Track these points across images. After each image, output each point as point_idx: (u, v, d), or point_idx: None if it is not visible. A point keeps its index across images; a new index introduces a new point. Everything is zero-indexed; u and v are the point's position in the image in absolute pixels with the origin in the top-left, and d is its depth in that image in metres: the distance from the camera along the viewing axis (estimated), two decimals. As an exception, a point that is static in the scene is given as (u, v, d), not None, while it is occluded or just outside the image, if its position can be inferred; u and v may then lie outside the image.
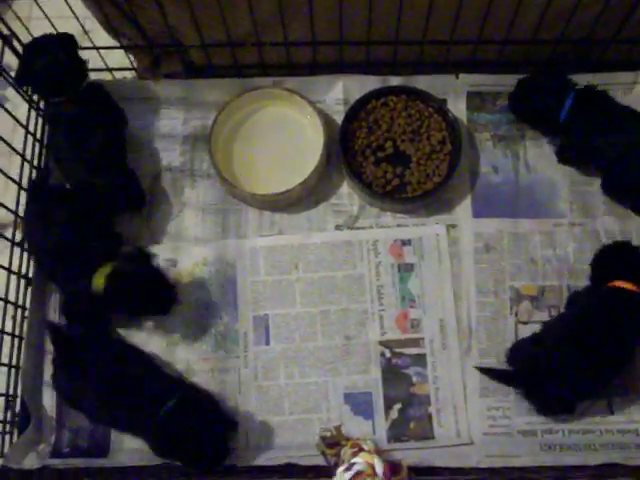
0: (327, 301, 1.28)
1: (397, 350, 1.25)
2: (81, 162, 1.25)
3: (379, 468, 0.88)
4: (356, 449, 0.99)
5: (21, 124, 1.31)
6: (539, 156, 1.36)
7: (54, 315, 1.28)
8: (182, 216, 1.34)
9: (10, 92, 1.32)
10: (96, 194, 1.26)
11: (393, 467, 0.91)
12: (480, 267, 1.29)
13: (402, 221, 1.32)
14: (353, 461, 0.89)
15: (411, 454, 1.17)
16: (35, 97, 1.36)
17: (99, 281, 1.14)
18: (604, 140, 1.27)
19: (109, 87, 1.33)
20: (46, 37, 1.23)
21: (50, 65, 1.21)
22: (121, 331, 1.27)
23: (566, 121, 1.28)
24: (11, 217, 1.28)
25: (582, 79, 1.35)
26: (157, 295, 1.19)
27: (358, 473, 0.88)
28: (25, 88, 1.33)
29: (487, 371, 1.21)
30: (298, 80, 1.39)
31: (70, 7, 1.25)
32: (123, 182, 1.29)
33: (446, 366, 1.24)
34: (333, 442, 1.10)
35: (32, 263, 1.29)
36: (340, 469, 0.89)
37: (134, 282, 1.16)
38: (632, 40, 1.32)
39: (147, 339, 1.26)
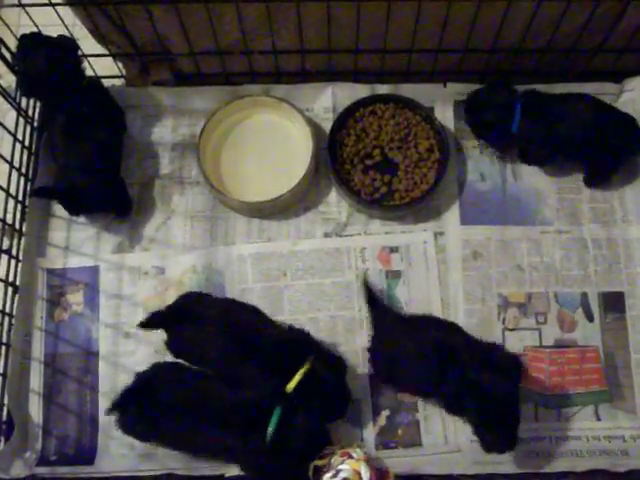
0: (315, 308, 1.28)
1: (385, 357, 1.25)
2: (75, 161, 1.25)
3: (365, 474, 0.88)
4: (345, 457, 0.98)
5: (9, 131, 1.30)
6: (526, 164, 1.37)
7: (40, 322, 1.28)
8: (170, 223, 1.34)
9: (-3, 99, 1.32)
10: (84, 195, 1.26)
11: (380, 474, 0.91)
12: (467, 274, 1.30)
13: (390, 228, 1.33)
14: (339, 468, 0.89)
15: (399, 461, 1.17)
16: (23, 104, 1.36)
17: (291, 385, 1.11)
18: (561, 135, 1.28)
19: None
20: (43, 39, 1.23)
21: (46, 68, 1.21)
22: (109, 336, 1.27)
23: (518, 131, 1.29)
24: (-2, 224, 1.28)
25: (568, 88, 1.36)
26: (338, 401, 1.16)
27: (344, 480, 0.88)
28: (14, 95, 1.33)
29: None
30: (287, 88, 1.39)
31: (59, 15, 1.25)
32: (112, 185, 1.30)
33: (434, 373, 1.24)
34: (323, 453, 1.10)
35: (19, 270, 1.29)
36: (326, 476, 0.89)
37: (324, 389, 1.13)
38: (617, 50, 1.33)
39: (136, 346, 1.26)
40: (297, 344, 1.16)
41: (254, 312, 1.21)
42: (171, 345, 1.21)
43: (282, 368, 1.13)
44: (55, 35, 1.25)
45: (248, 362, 1.14)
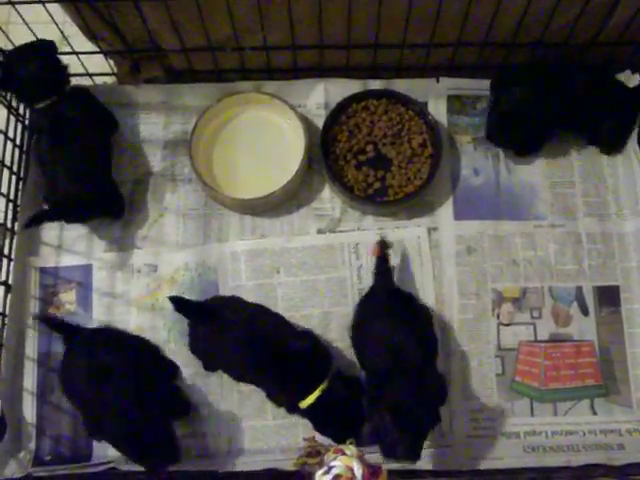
0: (309, 305, 1.27)
1: (379, 353, 1.25)
2: (63, 169, 1.24)
3: (358, 471, 0.88)
4: (338, 453, 0.98)
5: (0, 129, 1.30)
6: (519, 158, 1.36)
7: (33, 321, 1.27)
8: (163, 221, 1.33)
9: (-12, 98, 1.31)
10: (77, 202, 1.25)
11: (373, 470, 0.90)
12: (462, 269, 1.29)
13: (383, 224, 1.32)
14: (331, 464, 0.88)
15: (394, 457, 1.17)
16: (14, 102, 1.35)
17: (308, 401, 1.11)
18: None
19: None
20: (27, 45, 1.23)
21: (30, 72, 1.21)
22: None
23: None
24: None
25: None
26: (352, 421, 1.14)
27: (337, 476, 0.87)
28: (4, 93, 1.32)
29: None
30: (279, 84, 1.39)
31: (49, 12, 1.24)
32: (105, 191, 1.29)
33: (428, 369, 1.24)
34: (314, 451, 1.10)
35: (11, 269, 1.28)
36: (319, 472, 0.88)
37: (339, 408, 1.12)
38: (610, 43, 1.33)
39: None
40: (318, 360, 1.15)
41: (280, 321, 1.19)
42: (190, 343, 1.21)
43: (299, 382, 1.12)
44: (45, 32, 1.24)
45: (266, 371, 1.13)
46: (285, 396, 1.14)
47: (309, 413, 1.12)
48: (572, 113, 1.31)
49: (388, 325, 1.14)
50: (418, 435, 1.05)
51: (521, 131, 1.31)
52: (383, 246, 1.22)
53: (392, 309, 1.17)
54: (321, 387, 1.10)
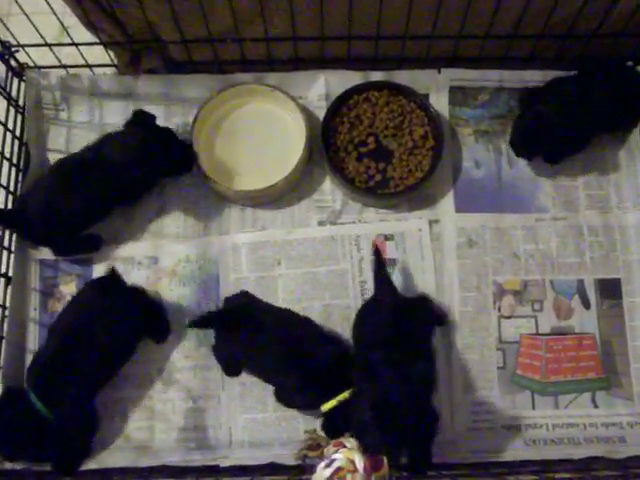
0: (310, 297, 1.27)
1: (380, 346, 1.25)
2: (61, 203, 1.22)
3: (359, 464, 0.88)
4: (339, 447, 0.98)
5: (-1, 121, 1.30)
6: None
7: (34, 313, 1.27)
8: (164, 213, 1.33)
9: (-12, 89, 1.31)
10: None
11: (374, 462, 0.90)
12: (463, 262, 1.29)
13: (385, 216, 1.32)
14: (333, 457, 0.89)
15: (395, 450, 1.17)
16: (14, 94, 1.35)
17: (328, 405, 1.11)
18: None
19: (88, 83, 1.34)
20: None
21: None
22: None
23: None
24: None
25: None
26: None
27: (338, 469, 0.88)
28: (4, 85, 1.32)
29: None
30: (280, 76, 1.38)
31: (48, 3, 1.23)
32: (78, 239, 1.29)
33: (429, 361, 1.24)
34: (315, 444, 1.10)
35: (12, 261, 1.28)
36: (320, 465, 0.89)
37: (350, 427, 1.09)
38: (613, 35, 1.32)
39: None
40: (343, 369, 1.13)
41: (307, 324, 1.19)
42: (219, 346, 1.21)
43: (326, 387, 1.11)
44: (45, 23, 1.24)
45: (294, 373, 1.13)
46: (305, 397, 1.13)
47: (326, 417, 1.13)
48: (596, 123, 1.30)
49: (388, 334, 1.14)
50: (403, 440, 0.98)
51: (546, 145, 1.30)
52: (378, 253, 1.22)
53: (396, 323, 1.15)
54: (340, 397, 1.09)
